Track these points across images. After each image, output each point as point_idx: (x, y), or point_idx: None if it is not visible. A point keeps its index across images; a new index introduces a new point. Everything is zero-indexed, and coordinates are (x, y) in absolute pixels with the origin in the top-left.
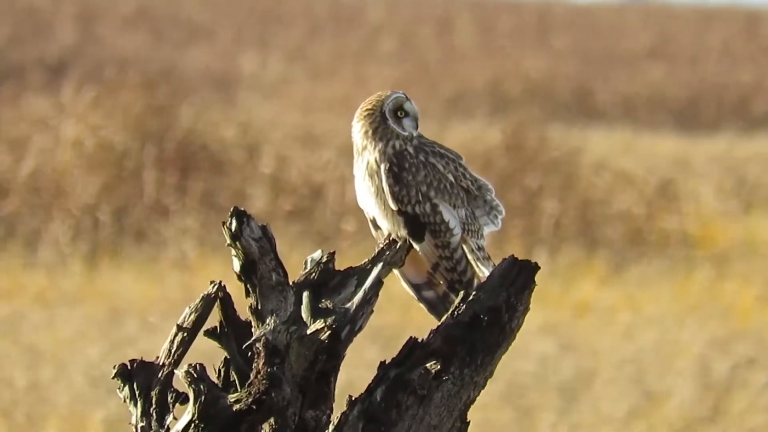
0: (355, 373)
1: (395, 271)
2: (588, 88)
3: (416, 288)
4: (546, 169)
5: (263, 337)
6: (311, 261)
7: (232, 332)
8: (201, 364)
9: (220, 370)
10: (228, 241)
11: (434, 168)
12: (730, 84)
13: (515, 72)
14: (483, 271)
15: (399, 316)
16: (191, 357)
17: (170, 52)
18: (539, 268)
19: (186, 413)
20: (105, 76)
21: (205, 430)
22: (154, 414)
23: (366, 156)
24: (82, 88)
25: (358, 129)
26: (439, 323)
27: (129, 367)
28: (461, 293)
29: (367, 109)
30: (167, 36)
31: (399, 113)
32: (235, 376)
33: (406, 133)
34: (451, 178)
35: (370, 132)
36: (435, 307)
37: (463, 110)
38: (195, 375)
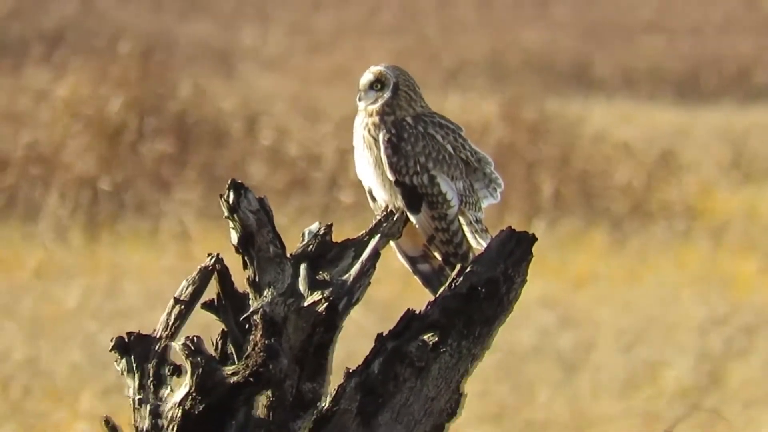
0: (353, 345)
1: (391, 244)
2: (588, 60)
3: (412, 261)
4: (545, 141)
5: (260, 310)
6: (309, 233)
7: (230, 305)
8: (198, 337)
9: (217, 343)
10: (225, 214)
11: (433, 139)
12: (730, 55)
13: (515, 44)
14: (481, 244)
15: (396, 288)
16: (188, 329)
17: (170, 23)
18: (536, 239)
19: (183, 386)
20: (104, 48)
21: (202, 403)
22: (151, 386)
23: (369, 126)
24: (82, 59)
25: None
26: (437, 295)
27: (126, 340)
28: (458, 265)
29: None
30: (167, 7)
31: (375, 86)
32: (232, 349)
33: (376, 106)
34: (450, 149)
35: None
36: (430, 280)
37: (462, 82)
38: (192, 347)
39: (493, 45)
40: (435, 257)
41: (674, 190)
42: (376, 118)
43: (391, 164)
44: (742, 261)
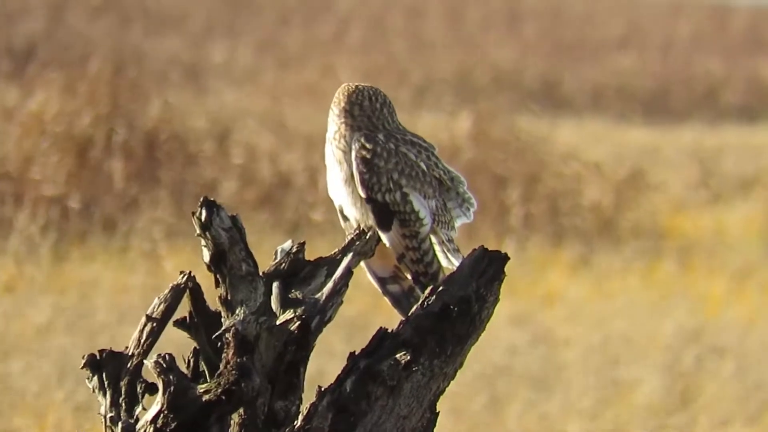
0: (325, 363)
1: (361, 264)
2: (557, 78)
3: (381, 281)
4: (515, 159)
5: (233, 328)
6: (281, 251)
7: (202, 323)
8: (170, 355)
9: (189, 361)
10: (198, 231)
11: (406, 156)
12: (699, 74)
13: (484, 61)
14: (453, 264)
15: (369, 307)
16: (161, 347)
17: (140, 39)
18: (509, 258)
19: (155, 404)
20: (73, 64)
21: (174, 421)
22: (123, 404)
23: (337, 142)
24: (51, 75)
25: (333, 116)
26: (409, 314)
27: (98, 357)
28: (431, 285)
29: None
30: (137, 24)
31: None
32: (204, 367)
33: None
34: (423, 166)
35: (345, 119)
36: (399, 301)
37: (431, 99)
38: (164, 365)
39: (462, 63)
40: (405, 278)
41: (643, 209)
42: (348, 134)
43: (363, 181)
44: (712, 280)
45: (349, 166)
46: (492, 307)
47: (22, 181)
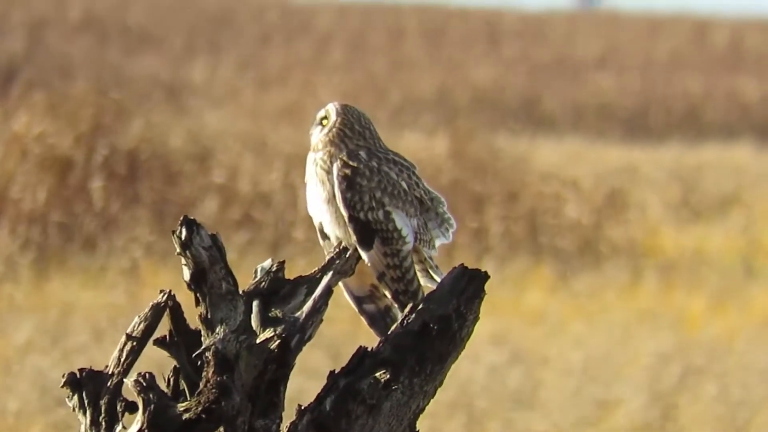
0: (305, 382)
1: (339, 283)
2: (537, 97)
3: (358, 300)
4: (495, 178)
5: (213, 347)
6: (261, 270)
7: (182, 341)
8: (150, 373)
9: (169, 380)
10: (178, 250)
11: (387, 176)
12: (678, 93)
13: (464, 80)
14: (435, 280)
15: (348, 325)
16: (141, 366)
17: (120, 59)
18: (489, 277)
19: (135, 422)
20: (54, 84)
21: None
22: (103, 423)
23: (320, 161)
24: (31, 94)
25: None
26: (389, 332)
27: (78, 376)
28: (411, 303)
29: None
30: (116, 43)
31: (323, 122)
32: (184, 386)
33: (322, 140)
34: (404, 185)
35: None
36: (375, 321)
37: (411, 119)
38: (144, 384)
39: (442, 82)
40: (381, 298)
41: (623, 228)
42: (331, 150)
43: (344, 199)
44: (691, 298)
45: (331, 185)
46: (472, 326)
47: (1, 200)
